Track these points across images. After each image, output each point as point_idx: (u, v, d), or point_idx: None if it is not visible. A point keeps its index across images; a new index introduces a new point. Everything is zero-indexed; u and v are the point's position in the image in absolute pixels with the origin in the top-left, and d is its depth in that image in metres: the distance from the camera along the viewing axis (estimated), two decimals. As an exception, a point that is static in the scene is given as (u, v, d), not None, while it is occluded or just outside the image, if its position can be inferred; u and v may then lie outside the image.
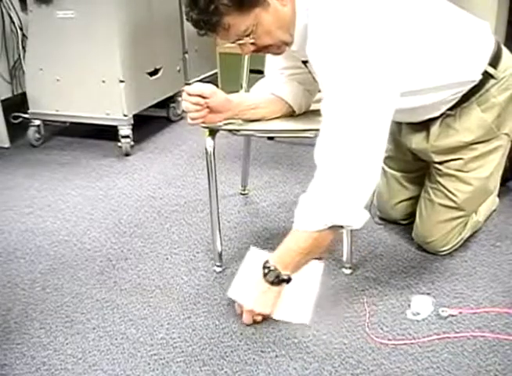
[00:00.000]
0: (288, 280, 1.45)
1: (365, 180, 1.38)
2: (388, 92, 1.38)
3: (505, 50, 1.62)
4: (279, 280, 1.44)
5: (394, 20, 1.40)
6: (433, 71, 1.52)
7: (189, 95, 1.53)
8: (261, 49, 1.49)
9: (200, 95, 1.52)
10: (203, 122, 1.58)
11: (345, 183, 1.37)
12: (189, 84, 1.66)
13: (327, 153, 1.38)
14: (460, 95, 1.58)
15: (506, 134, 1.66)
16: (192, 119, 1.55)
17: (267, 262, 1.45)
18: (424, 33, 1.48)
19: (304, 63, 1.58)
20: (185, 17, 1.45)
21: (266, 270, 1.44)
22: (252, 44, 1.45)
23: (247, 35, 1.42)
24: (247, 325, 1.49)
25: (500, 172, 1.75)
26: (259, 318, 1.49)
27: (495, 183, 1.74)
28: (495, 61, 1.57)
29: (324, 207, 1.38)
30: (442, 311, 1.51)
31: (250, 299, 1.48)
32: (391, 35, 1.38)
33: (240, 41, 1.44)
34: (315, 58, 1.41)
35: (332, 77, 1.37)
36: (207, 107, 1.54)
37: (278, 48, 1.49)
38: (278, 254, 1.45)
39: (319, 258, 1.53)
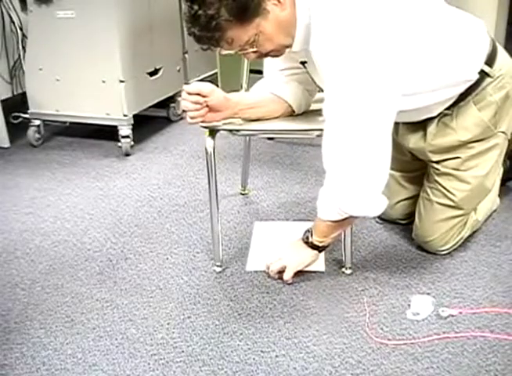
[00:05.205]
0: (323, 249, 1.66)
1: (374, 172, 1.45)
2: (391, 85, 1.39)
3: (500, 48, 1.62)
4: (318, 248, 1.64)
5: (392, 19, 1.40)
6: (430, 72, 1.51)
7: (188, 93, 1.53)
8: (264, 56, 1.51)
9: (198, 94, 1.52)
10: (202, 121, 1.58)
11: (354, 178, 1.44)
12: (188, 84, 1.65)
13: (334, 151, 1.44)
14: (457, 94, 1.58)
15: (502, 132, 1.66)
16: (192, 118, 1.55)
17: (307, 231, 1.64)
18: (421, 33, 1.48)
19: (303, 63, 1.58)
20: (186, 32, 1.45)
21: (306, 238, 1.64)
22: (254, 52, 1.46)
23: (250, 45, 1.43)
24: (288, 284, 1.65)
25: (498, 170, 1.75)
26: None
27: (492, 181, 1.74)
28: (490, 59, 1.57)
29: (339, 201, 1.49)
30: (442, 311, 1.51)
31: (294, 262, 1.65)
32: (391, 33, 1.39)
33: (243, 51, 1.46)
34: (320, 54, 1.41)
35: (336, 71, 1.37)
36: (207, 106, 1.55)
37: (279, 51, 1.50)
38: (314, 229, 1.62)
39: None
